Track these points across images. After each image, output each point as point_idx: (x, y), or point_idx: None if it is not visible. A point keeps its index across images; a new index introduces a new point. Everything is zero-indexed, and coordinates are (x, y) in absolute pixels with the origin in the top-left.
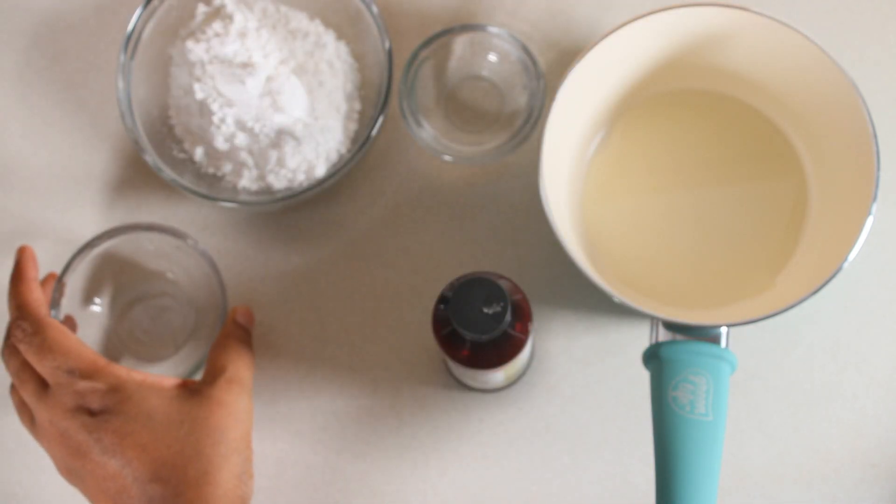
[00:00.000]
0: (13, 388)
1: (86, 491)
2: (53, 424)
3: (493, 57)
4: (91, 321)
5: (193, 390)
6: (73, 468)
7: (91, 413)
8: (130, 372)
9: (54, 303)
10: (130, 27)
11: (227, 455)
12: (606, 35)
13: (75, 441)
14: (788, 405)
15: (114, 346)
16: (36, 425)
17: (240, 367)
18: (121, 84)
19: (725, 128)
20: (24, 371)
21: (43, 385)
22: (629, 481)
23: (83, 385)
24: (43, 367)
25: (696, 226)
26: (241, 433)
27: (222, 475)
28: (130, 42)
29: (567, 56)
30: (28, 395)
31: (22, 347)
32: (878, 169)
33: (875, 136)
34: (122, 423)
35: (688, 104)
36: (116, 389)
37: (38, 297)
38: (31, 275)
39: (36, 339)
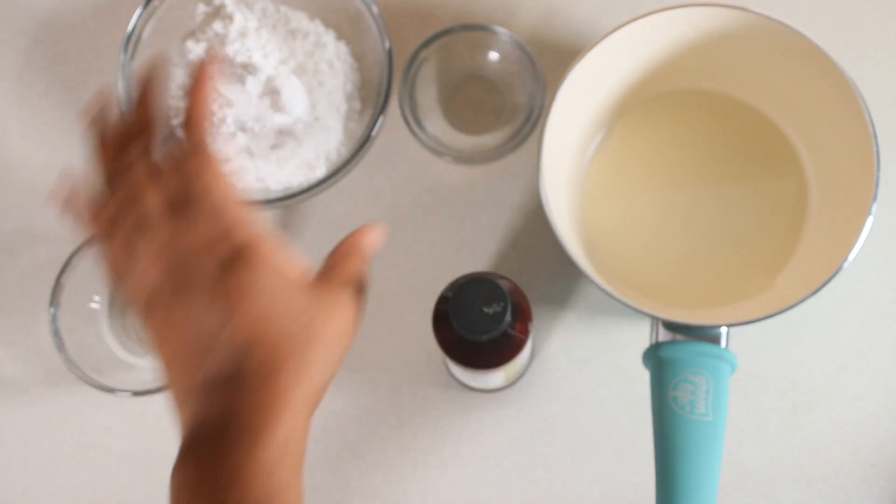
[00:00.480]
0: (98, 204)
1: (158, 334)
2: (170, 248)
3: (493, 56)
4: (90, 319)
5: (324, 290)
6: (162, 304)
7: (216, 259)
8: (268, 242)
9: (54, 301)
10: (130, 27)
11: (327, 365)
12: (606, 35)
13: (186, 276)
14: (788, 405)
15: (113, 345)
16: (134, 245)
17: (366, 283)
18: (121, 84)
19: (725, 128)
20: (155, 182)
21: (170, 206)
22: (629, 481)
23: (220, 228)
24: (183, 190)
25: (696, 226)
26: (344, 353)
27: (313, 380)
28: (130, 42)
29: (567, 56)
30: (150, 207)
31: (169, 163)
32: (878, 169)
33: (875, 136)
34: (244, 286)
35: (688, 104)
36: (252, 251)
37: (210, 112)
38: (210, 86)
39: (193, 162)
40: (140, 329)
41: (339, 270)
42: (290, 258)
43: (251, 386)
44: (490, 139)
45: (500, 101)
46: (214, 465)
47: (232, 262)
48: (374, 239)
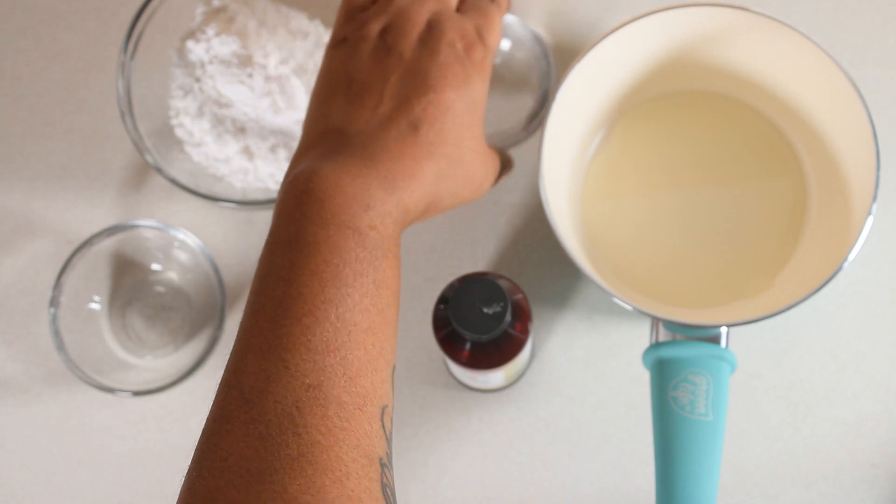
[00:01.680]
0: None
1: (351, 62)
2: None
3: (505, 45)
4: (90, 319)
5: (489, 154)
6: (385, 42)
7: (464, 41)
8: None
9: (54, 301)
10: (130, 27)
11: (452, 189)
12: (606, 35)
13: (435, 26)
14: (788, 405)
15: (113, 345)
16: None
17: (510, 166)
18: (121, 84)
19: (725, 128)
20: None
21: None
22: (629, 481)
23: (478, 40)
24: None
25: (696, 226)
26: (466, 197)
27: (439, 187)
28: (130, 42)
29: (567, 56)
30: None
31: None
32: (878, 169)
33: (875, 136)
34: (463, 77)
35: (688, 104)
36: (486, 73)
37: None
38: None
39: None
40: (329, 50)
41: (495, 154)
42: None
43: (406, 150)
44: (504, 122)
45: (514, 88)
46: (352, 177)
47: (471, 58)
48: (509, 169)
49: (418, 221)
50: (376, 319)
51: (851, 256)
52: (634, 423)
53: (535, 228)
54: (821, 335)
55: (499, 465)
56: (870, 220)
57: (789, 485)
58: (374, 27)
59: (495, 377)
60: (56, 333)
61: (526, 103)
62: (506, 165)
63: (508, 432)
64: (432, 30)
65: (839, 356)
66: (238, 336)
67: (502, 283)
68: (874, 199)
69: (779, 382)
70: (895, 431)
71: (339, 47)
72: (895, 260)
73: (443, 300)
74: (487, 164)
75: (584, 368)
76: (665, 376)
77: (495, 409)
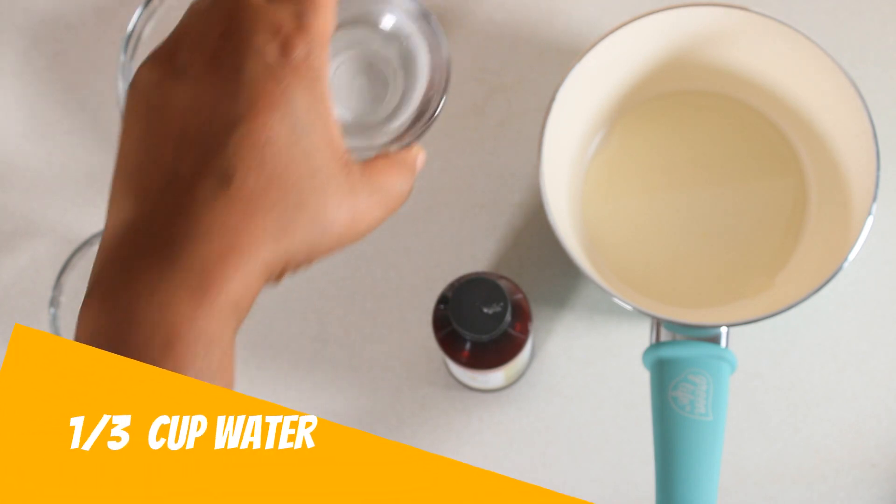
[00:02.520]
0: None
1: (150, 106)
2: (242, 11)
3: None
4: None
5: (359, 172)
6: (184, 73)
7: (276, 47)
8: (326, 85)
9: (54, 301)
10: (130, 27)
11: (315, 240)
12: (606, 35)
13: (235, 44)
14: (788, 405)
15: None
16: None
17: (392, 202)
18: (121, 84)
19: (725, 128)
20: None
21: None
22: (629, 481)
23: (297, 32)
24: None
25: (696, 225)
26: (340, 244)
27: (291, 246)
28: (130, 42)
29: (567, 56)
30: None
31: None
32: (879, 169)
33: (875, 136)
34: (281, 95)
35: (688, 104)
36: (314, 72)
37: None
38: None
39: None
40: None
41: (382, 166)
42: (335, 120)
43: (215, 218)
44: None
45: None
46: (146, 301)
47: (290, 61)
48: (422, 159)
49: (273, 287)
50: None
51: (851, 256)
52: (634, 423)
53: (535, 228)
54: (821, 335)
55: (499, 465)
56: (870, 220)
57: (789, 485)
58: (162, 52)
59: (495, 377)
60: (56, 333)
61: (408, 91)
62: (404, 169)
63: (508, 432)
64: (229, 37)
65: (839, 356)
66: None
67: (502, 283)
68: (874, 199)
69: (779, 382)
70: (895, 431)
71: (167, 79)
72: (895, 260)
73: (443, 300)
74: (357, 193)
75: (584, 368)
76: (665, 376)
77: (495, 409)
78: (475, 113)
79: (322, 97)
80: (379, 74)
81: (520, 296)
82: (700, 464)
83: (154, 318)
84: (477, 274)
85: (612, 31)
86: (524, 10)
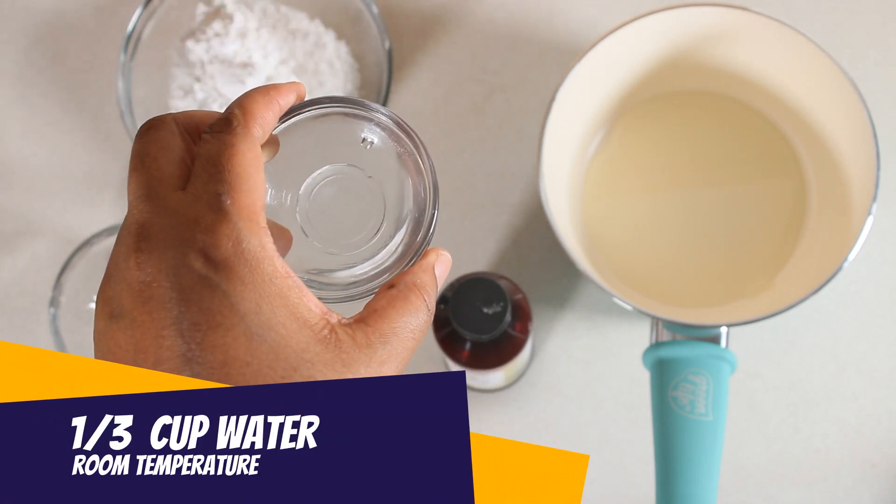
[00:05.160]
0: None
1: (104, 344)
2: (151, 227)
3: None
4: (90, 319)
5: (352, 335)
6: (127, 316)
7: (204, 260)
8: (274, 259)
9: (54, 301)
10: (130, 27)
11: None
12: (606, 35)
13: (165, 272)
14: (788, 405)
15: None
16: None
17: (406, 346)
18: (121, 84)
19: (725, 128)
20: (166, 153)
21: (177, 179)
22: (629, 481)
23: (216, 224)
24: (198, 171)
25: (696, 226)
26: None
27: None
28: (130, 42)
29: (567, 56)
30: (149, 180)
31: (205, 137)
32: (878, 169)
33: (875, 136)
34: (227, 304)
35: (688, 104)
36: (250, 257)
37: (261, 110)
38: (282, 95)
39: (222, 138)
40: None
41: (383, 309)
42: (303, 288)
43: None
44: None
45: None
46: None
47: (217, 266)
48: (446, 267)
49: None
50: None
51: (851, 256)
52: (634, 423)
53: (535, 228)
54: (821, 335)
55: None
56: (870, 220)
57: (789, 485)
58: (101, 296)
59: (495, 377)
60: (56, 333)
61: (396, 210)
62: (411, 300)
63: (508, 432)
64: (148, 260)
65: (839, 356)
66: None
67: (502, 283)
68: (874, 199)
69: (779, 382)
70: (895, 431)
71: (114, 323)
72: (895, 260)
73: (443, 300)
74: (354, 363)
75: (584, 368)
76: (665, 376)
77: (495, 409)
78: (475, 113)
79: (271, 279)
80: (362, 197)
81: (520, 296)
82: (700, 464)
83: None
84: (477, 274)
85: (612, 31)
86: (524, 10)
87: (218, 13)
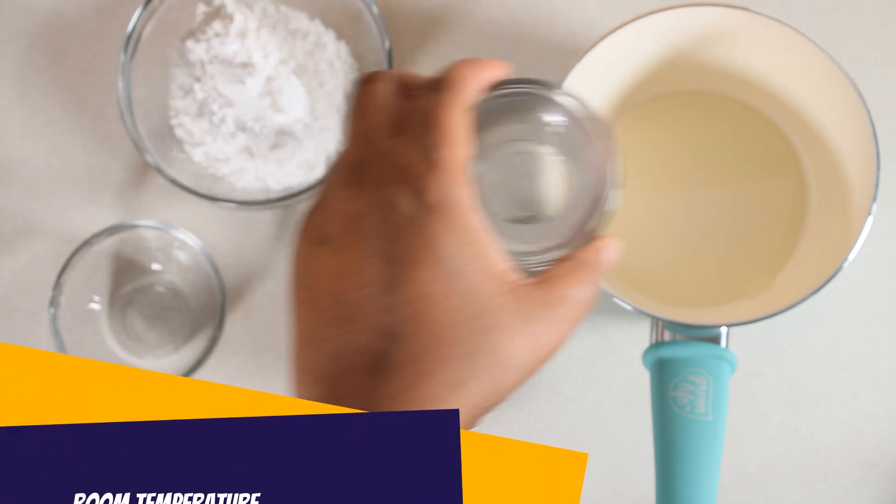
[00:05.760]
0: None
1: (308, 275)
2: (377, 168)
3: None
4: (90, 319)
5: (531, 294)
6: (335, 240)
7: (413, 194)
8: (476, 212)
9: (54, 301)
10: (130, 27)
11: (491, 391)
12: (606, 35)
13: (377, 205)
14: (788, 405)
15: (113, 345)
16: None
17: (577, 313)
18: (121, 84)
19: (725, 128)
20: (382, 103)
21: (390, 128)
22: (629, 481)
23: (428, 172)
24: (411, 123)
25: (696, 226)
26: (524, 380)
27: (467, 401)
28: (130, 42)
29: (567, 56)
30: (375, 127)
31: (419, 94)
32: (878, 169)
33: (875, 136)
34: (429, 242)
35: (688, 104)
36: (453, 207)
37: (469, 79)
38: (489, 69)
39: (434, 97)
40: (291, 264)
41: (559, 275)
42: (495, 243)
43: (386, 391)
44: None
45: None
46: None
47: (427, 206)
48: (615, 254)
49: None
50: None
51: (851, 256)
52: (634, 423)
53: None
54: (821, 335)
55: None
56: (870, 220)
57: (789, 485)
58: (306, 224)
59: None
60: (56, 333)
61: (577, 186)
62: (585, 272)
63: (508, 432)
64: (361, 195)
65: (839, 356)
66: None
67: None
68: (874, 199)
69: (779, 382)
70: (895, 431)
71: (321, 246)
72: (895, 260)
73: None
74: (533, 318)
75: (584, 368)
76: (665, 376)
77: (495, 409)
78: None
79: (471, 230)
80: (545, 174)
81: None
82: (700, 464)
83: None
84: None
85: (612, 31)
86: (524, 10)
87: (218, 13)
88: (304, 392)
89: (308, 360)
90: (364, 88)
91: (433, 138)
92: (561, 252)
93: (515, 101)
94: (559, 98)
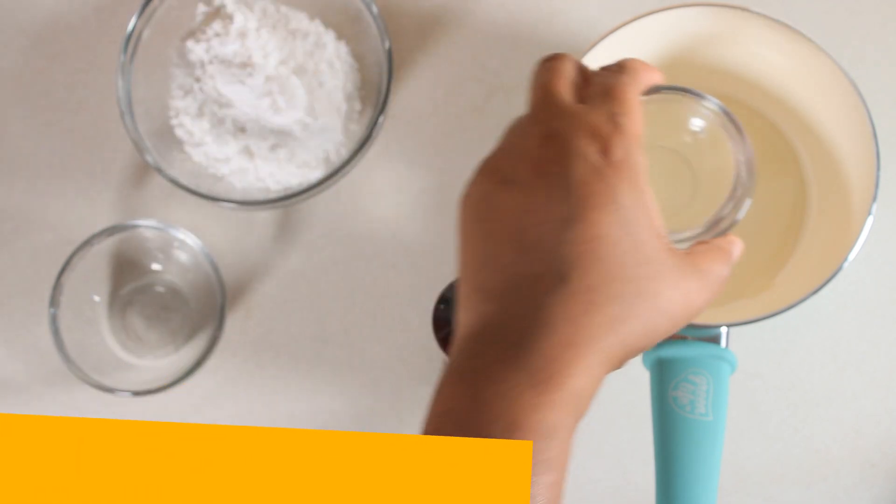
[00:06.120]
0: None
1: (486, 212)
2: (566, 124)
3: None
4: (90, 319)
5: (683, 259)
6: (518, 182)
7: (598, 149)
8: (645, 180)
9: (54, 301)
10: (130, 27)
11: (645, 332)
12: (606, 35)
13: (561, 153)
14: (788, 405)
15: (113, 345)
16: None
17: (717, 285)
18: (121, 84)
19: None
20: (567, 75)
21: (573, 97)
22: (629, 481)
23: (614, 133)
24: (596, 94)
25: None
26: (668, 332)
27: (626, 339)
28: (130, 42)
29: None
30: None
31: (601, 72)
32: (878, 169)
33: (875, 136)
34: (607, 193)
35: (688, 104)
36: (634, 169)
37: (643, 70)
38: (650, 73)
39: (616, 76)
40: (462, 204)
41: (702, 251)
42: (657, 208)
43: (559, 311)
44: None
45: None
46: (493, 390)
47: (611, 162)
48: (740, 251)
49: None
50: None
51: (851, 256)
52: (634, 423)
53: None
54: (821, 335)
55: None
56: (870, 220)
57: (789, 485)
58: (488, 166)
59: None
60: (56, 333)
61: (716, 189)
62: (722, 255)
63: None
64: (551, 144)
65: (839, 356)
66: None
67: None
68: (874, 199)
69: (779, 382)
70: (895, 431)
71: (502, 187)
72: (895, 260)
73: (443, 300)
74: (686, 275)
75: None
76: (665, 376)
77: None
78: (475, 113)
79: (644, 190)
80: (690, 171)
81: None
82: (700, 464)
83: (498, 406)
84: None
85: (612, 31)
86: (524, 10)
87: (218, 13)
88: (474, 307)
89: (484, 281)
90: (551, 64)
91: (619, 107)
92: (695, 240)
93: (670, 105)
94: (708, 105)
